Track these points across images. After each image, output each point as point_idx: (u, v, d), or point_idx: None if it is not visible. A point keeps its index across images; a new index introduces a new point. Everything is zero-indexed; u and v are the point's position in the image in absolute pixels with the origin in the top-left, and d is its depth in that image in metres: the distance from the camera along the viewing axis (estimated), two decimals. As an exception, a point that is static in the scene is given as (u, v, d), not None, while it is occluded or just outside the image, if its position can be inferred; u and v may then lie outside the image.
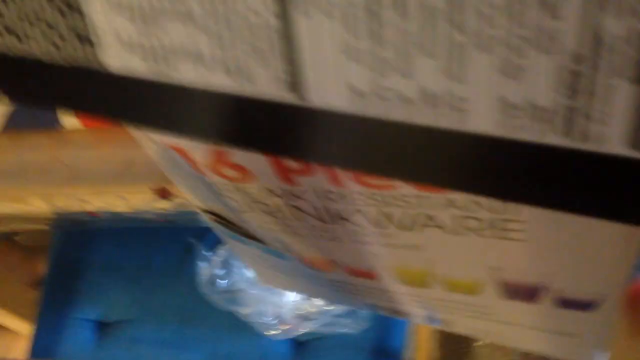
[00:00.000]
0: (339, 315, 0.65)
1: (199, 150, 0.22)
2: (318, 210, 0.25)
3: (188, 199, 0.47)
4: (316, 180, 0.22)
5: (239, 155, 0.22)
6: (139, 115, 0.19)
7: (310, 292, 0.40)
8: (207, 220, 0.34)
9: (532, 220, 0.21)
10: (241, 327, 0.66)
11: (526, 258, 0.24)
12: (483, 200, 0.21)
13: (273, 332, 0.66)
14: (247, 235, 0.33)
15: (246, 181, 0.24)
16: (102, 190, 0.53)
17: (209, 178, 0.25)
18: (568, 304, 0.27)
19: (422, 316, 0.36)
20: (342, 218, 0.25)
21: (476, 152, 0.15)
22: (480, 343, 1.02)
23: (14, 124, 0.56)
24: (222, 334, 0.67)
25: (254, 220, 0.28)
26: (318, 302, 0.67)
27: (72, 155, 0.54)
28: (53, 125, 0.55)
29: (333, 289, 0.36)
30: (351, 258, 0.29)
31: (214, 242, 0.70)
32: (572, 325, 0.29)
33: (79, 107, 0.20)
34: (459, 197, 0.21)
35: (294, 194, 0.24)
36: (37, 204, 0.55)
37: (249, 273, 0.66)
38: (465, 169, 0.15)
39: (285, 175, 0.22)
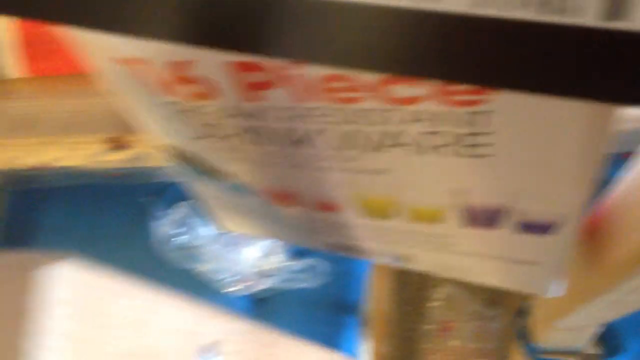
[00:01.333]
0: (297, 271, 0.66)
1: (154, 65, 0.21)
2: (278, 133, 0.24)
3: (147, 139, 0.45)
4: (279, 95, 0.22)
5: (201, 69, 0.21)
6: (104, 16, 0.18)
7: (271, 233, 0.39)
8: (168, 159, 0.33)
9: (501, 131, 0.21)
10: (199, 285, 0.65)
11: (492, 176, 0.24)
12: (448, 113, 0.21)
13: (232, 289, 0.65)
14: (209, 170, 0.32)
15: (205, 98, 0.23)
16: (51, 141, 0.50)
17: (167, 97, 0.24)
18: (528, 227, 0.27)
19: (383, 254, 0.36)
20: (303, 141, 0.25)
21: (453, 32, 0.14)
22: (433, 304, 1.05)
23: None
24: (179, 292, 0.66)
25: (214, 148, 0.28)
26: (277, 258, 0.66)
27: (17, 105, 0.52)
28: (-6, 74, 0.52)
29: (294, 228, 0.36)
30: (312, 188, 0.29)
31: (169, 201, 0.68)
32: (532, 251, 0.30)
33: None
34: (425, 109, 0.21)
35: (254, 114, 0.23)
36: (-18, 155, 0.52)
37: (207, 230, 0.65)
38: (442, 51, 0.15)
39: (248, 90, 0.22)
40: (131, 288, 0.18)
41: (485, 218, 0.28)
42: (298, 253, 0.67)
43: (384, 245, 0.34)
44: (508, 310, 0.98)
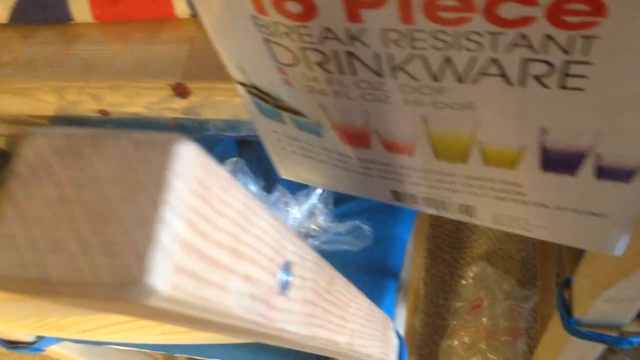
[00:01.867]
0: (340, 234, 0.66)
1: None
2: (375, 58, 0.25)
3: (227, 69, 0.46)
4: (385, 15, 0.22)
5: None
6: None
7: (333, 181, 0.40)
8: (243, 95, 0.34)
9: (601, 62, 0.21)
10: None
11: (580, 113, 0.24)
12: (559, 35, 0.21)
13: (275, 248, 0.66)
14: (285, 108, 0.32)
15: (308, 18, 0.23)
16: (116, 84, 0.52)
17: (267, 17, 0.24)
18: (608, 173, 0.27)
19: (448, 204, 0.36)
20: (399, 68, 0.25)
21: None
22: (465, 281, 1.05)
23: (21, 19, 0.55)
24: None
25: (298, 79, 0.28)
26: (321, 220, 0.67)
27: (85, 49, 0.53)
28: (64, 19, 0.54)
29: (359, 175, 0.37)
30: (392, 125, 0.30)
31: (219, 157, 0.69)
32: (606, 202, 0.30)
33: None
34: (534, 32, 0.21)
35: (355, 36, 0.24)
36: (47, 98, 0.54)
37: (253, 187, 0.66)
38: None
39: (354, 8, 0.22)
40: (242, 187, 0.19)
41: (564, 162, 0.28)
42: (342, 215, 0.67)
43: (450, 193, 0.35)
44: (540, 291, 0.97)
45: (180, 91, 0.51)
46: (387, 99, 0.27)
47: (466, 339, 0.99)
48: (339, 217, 0.67)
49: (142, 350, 0.71)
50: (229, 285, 0.18)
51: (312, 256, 0.29)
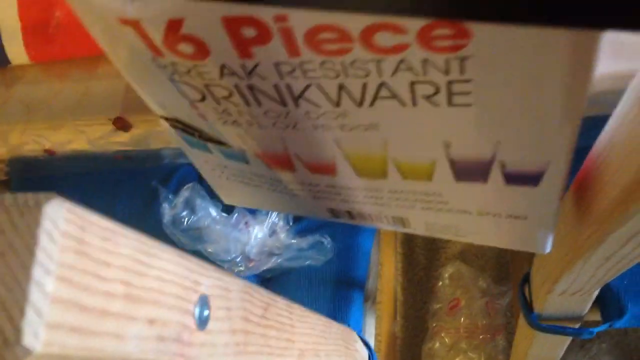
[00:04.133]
0: (303, 249, 0.67)
1: (153, 24, 0.23)
2: (276, 89, 0.25)
3: (150, 119, 0.46)
4: (272, 50, 0.23)
5: (195, 27, 0.22)
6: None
7: (273, 203, 0.40)
8: (169, 130, 0.35)
9: (479, 79, 0.22)
10: (207, 265, 0.66)
11: (474, 126, 0.25)
12: (431, 60, 0.22)
13: (238, 269, 0.67)
14: (209, 139, 0.33)
15: (202, 57, 0.24)
16: (58, 124, 0.52)
17: (164, 59, 0.25)
18: (516, 178, 0.28)
19: (381, 217, 0.37)
20: (300, 97, 0.26)
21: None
22: (441, 283, 1.06)
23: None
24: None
25: (210, 113, 0.29)
26: (282, 237, 0.68)
27: (24, 91, 0.53)
28: (2, 62, 0.54)
29: (294, 196, 0.37)
30: (309, 149, 0.30)
31: (177, 185, 0.70)
32: (521, 205, 0.31)
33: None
34: (412, 58, 0.22)
35: (251, 71, 0.24)
36: (-7, 143, 0.54)
37: (214, 211, 0.66)
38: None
39: (243, 46, 0.23)
40: (131, 233, 0.20)
41: (472, 171, 0.29)
42: (303, 231, 0.68)
43: (380, 207, 0.35)
44: (514, 286, 0.99)
45: (122, 125, 0.51)
46: (297, 125, 0.28)
47: (447, 340, 1.00)
48: (300, 233, 0.68)
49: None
50: (125, 332, 0.19)
51: (239, 285, 0.29)
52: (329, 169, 0.32)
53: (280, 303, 0.36)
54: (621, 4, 0.14)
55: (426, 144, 0.27)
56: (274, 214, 0.68)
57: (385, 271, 1.01)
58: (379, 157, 0.29)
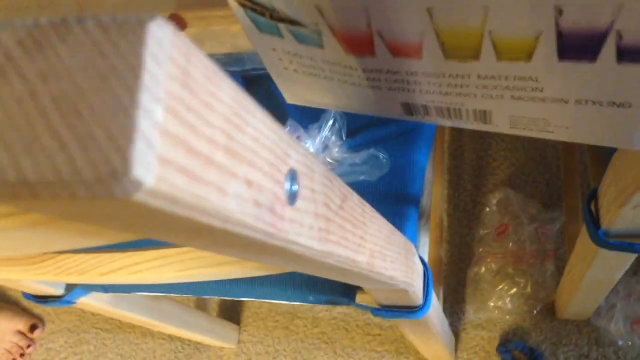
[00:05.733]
0: (356, 164, 0.65)
1: None
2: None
3: (206, 16, 0.44)
4: None
5: None
6: None
7: (340, 100, 0.38)
8: (236, 10, 0.32)
9: None
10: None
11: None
12: None
13: (291, 184, 0.66)
14: (281, 19, 0.31)
15: None
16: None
17: None
18: (630, 54, 0.25)
19: (461, 111, 0.34)
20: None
21: None
22: (488, 209, 1.04)
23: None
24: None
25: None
26: (335, 153, 0.66)
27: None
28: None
29: (367, 89, 0.35)
30: (396, 24, 0.28)
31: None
32: (629, 88, 0.28)
33: None
34: None
35: None
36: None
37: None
38: None
39: None
40: (228, 79, 0.18)
41: (581, 46, 0.26)
42: (356, 146, 0.66)
43: (463, 99, 0.33)
44: (566, 211, 0.96)
45: (177, 23, 0.49)
46: (386, -6, 0.25)
47: (493, 265, 0.99)
48: (354, 148, 0.66)
49: (171, 295, 0.72)
50: (227, 187, 0.17)
51: (321, 169, 0.28)
52: (414, 50, 0.29)
53: (355, 197, 0.34)
54: None
55: (535, 10, 0.24)
56: (327, 129, 0.66)
57: (432, 196, 0.99)
58: (475, 31, 0.27)
